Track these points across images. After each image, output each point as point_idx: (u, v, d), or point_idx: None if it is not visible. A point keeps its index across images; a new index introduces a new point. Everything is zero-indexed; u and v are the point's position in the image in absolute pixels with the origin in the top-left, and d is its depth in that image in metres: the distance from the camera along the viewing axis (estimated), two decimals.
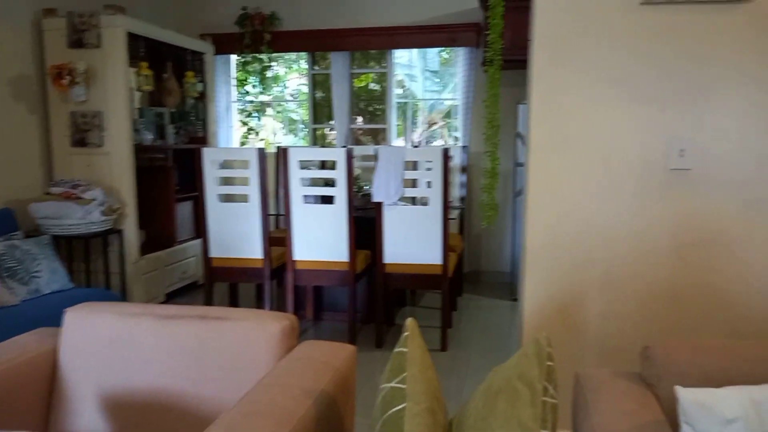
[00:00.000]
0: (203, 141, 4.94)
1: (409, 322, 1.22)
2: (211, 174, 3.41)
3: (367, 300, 3.83)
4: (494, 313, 4.08)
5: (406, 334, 1.21)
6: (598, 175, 2.03)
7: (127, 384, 1.54)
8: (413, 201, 3.66)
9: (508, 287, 4.55)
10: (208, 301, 3.53)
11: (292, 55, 5.64)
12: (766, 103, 1.89)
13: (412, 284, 3.36)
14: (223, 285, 4.62)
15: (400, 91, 5.51)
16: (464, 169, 4.43)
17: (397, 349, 1.20)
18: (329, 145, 5.56)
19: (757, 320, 1.99)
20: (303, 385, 1.32)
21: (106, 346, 1.57)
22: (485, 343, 3.46)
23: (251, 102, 5.75)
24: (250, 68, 5.54)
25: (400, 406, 1.11)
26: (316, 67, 5.45)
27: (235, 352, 1.51)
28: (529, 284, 2.13)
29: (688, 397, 1.01)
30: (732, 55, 1.90)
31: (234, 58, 5.38)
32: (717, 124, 1.94)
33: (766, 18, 1.86)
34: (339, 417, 1.39)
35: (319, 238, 3.36)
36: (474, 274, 5.00)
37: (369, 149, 4.61)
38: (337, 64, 5.12)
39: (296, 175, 3.32)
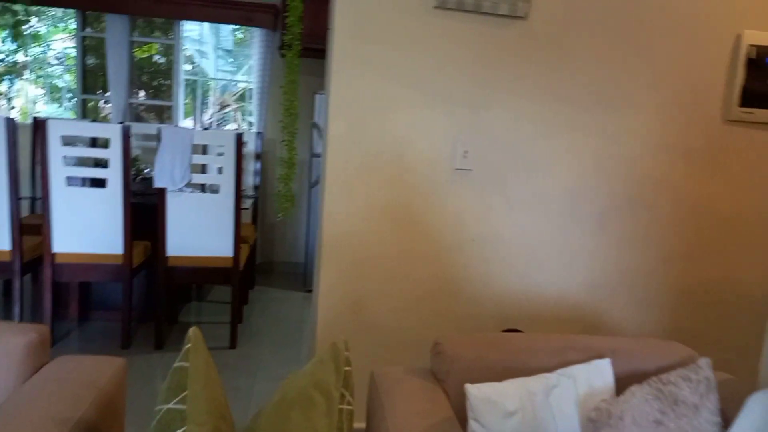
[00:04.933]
0: None
1: (192, 332, 1.06)
2: None
3: (145, 296, 3.45)
4: (287, 305, 4.00)
5: (188, 346, 1.05)
6: (392, 171, 2.07)
7: None
8: (202, 188, 3.38)
9: (302, 278, 4.52)
10: None
11: (59, 12, 4.83)
12: (536, 112, 2.11)
13: (199, 279, 3.11)
14: None
15: (189, 67, 5.09)
16: (258, 157, 4.25)
17: (176, 364, 1.04)
18: (103, 120, 4.90)
19: (518, 307, 2.23)
20: (55, 412, 1.07)
21: None
22: (277, 338, 3.37)
23: (1, 61, 4.79)
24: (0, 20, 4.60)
25: (179, 431, 0.97)
26: (88, 29, 4.74)
27: None
28: (324, 280, 2.09)
29: (475, 393, 1.05)
30: (509, 66, 2.08)
31: None
32: (494, 130, 2.11)
33: (538, 34, 2.07)
34: None
35: (87, 227, 2.91)
36: (267, 264, 4.86)
37: (151, 128, 4.16)
38: (114, 28, 4.51)
39: (58, 153, 2.82)
